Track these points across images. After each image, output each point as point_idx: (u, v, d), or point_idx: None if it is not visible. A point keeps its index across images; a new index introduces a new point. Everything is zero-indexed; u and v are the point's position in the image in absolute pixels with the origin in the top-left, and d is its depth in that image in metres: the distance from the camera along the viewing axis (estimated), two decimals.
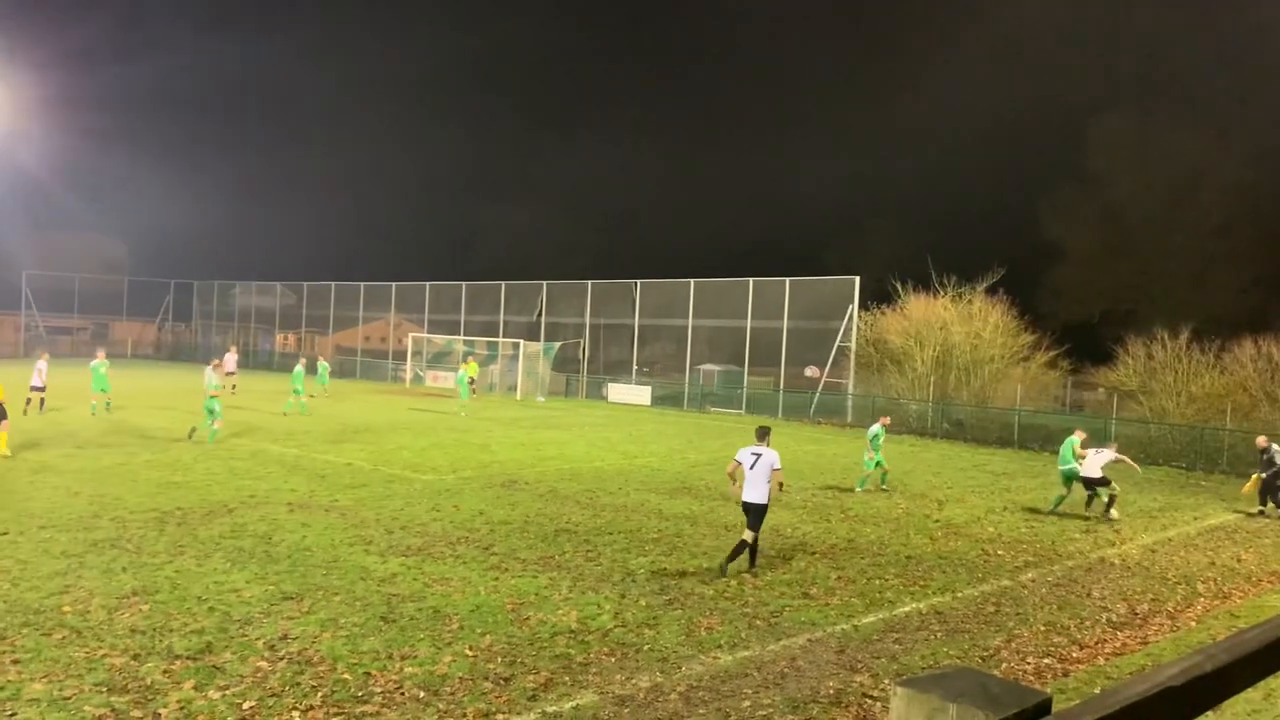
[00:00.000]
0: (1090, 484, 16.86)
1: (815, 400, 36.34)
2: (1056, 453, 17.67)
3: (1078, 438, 17.39)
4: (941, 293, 34.85)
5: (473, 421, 29.19)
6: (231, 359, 36.52)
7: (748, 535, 11.25)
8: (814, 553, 12.55)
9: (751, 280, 39.79)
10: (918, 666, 8.42)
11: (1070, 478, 17.12)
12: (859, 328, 36.02)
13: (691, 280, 41.76)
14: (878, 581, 11.20)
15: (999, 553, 13.26)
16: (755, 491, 11.28)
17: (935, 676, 1.48)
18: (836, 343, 36.56)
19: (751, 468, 11.33)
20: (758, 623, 9.29)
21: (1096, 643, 9.33)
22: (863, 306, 36.45)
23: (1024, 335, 34.33)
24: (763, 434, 11.82)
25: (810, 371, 37.34)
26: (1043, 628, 9.72)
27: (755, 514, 11.28)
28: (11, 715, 6.32)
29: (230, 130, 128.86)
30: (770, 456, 11.37)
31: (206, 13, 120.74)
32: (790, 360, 38.38)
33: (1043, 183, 62.59)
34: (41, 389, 26.30)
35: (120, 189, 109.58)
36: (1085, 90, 74.65)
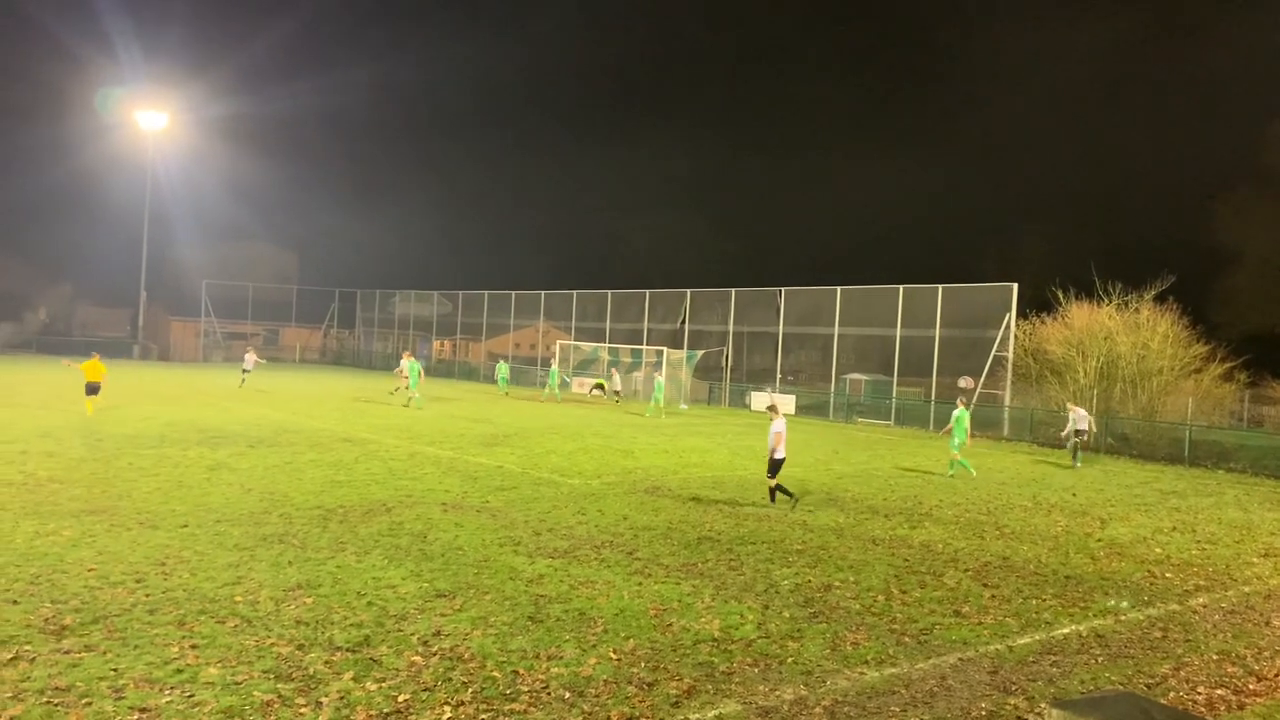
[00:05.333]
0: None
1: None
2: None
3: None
4: (1105, 301, 33.22)
5: (616, 428, 29.54)
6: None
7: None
8: (966, 570, 12.14)
9: (901, 288, 38.79)
10: (1077, 691, 8.03)
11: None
12: (1016, 337, 34.69)
13: (838, 288, 41.04)
14: (1034, 601, 10.75)
15: (1167, 575, 12.52)
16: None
17: (1093, 699, 1.43)
18: (992, 352, 35.30)
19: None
20: (906, 639, 9.06)
21: (1277, 675, 8.69)
22: (1020, 315, 35.07)
23: (1196, 346, 32.31)
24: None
25: (964, 382, 36.14)
26: (1215, 656, 9.12)
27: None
28: (190, 697, 6.76)
29: (391, 147, 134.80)
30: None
31: (374, 34, 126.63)
32: (942, 370, 37.21)
33: (1216, 185, 58.88)
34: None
35: (292, 203, 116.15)
36: (1260, 88, 69.98)
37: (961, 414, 22.07)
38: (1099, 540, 14.70)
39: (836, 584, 10.99)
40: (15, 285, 79.04)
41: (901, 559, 12.51)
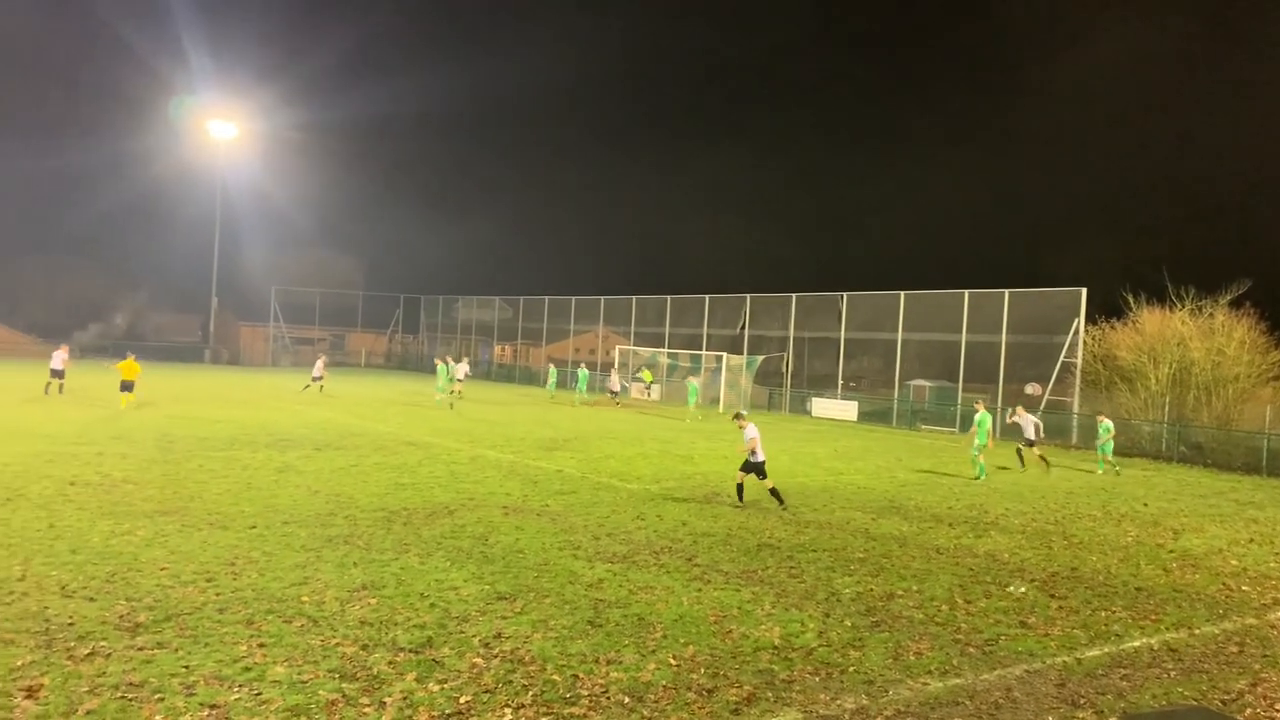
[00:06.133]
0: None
1: None
2: None
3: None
4: (1178, 306, 32.37)
5: (676, 433, 29.51)
6: (462, 368, 42.42)
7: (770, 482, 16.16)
8: (1033, 580, 11.90)
9: (967, 292, 38.19)
10: (1148, 705, 7.82)
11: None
12: (1085, 343, 33.94)
13: (901, 293, 40.55)
14: (1103, 613, 10.50)
15: (1244, 588, 12.14)
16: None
17: (1165, 714, 1.39)
18: (1060, 358, 34.60)
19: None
20: (970, 650, 8.91)
21: None
22: (1090, 320, 34.33)
23: (1275, 352, 31.35)
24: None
25: (1031, 389, 35.48)
26: None
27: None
28: (257, 694, 6.89)
29: (457, 155, 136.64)
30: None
31: (439, 46, 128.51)
32: (1009, 377, 36.56)
33: None
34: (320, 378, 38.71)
35: (358, 211, 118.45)
36: None
37: (983, 417, 22.17)
38: (1171, 551, 14.31)
39: (899, 593, 10.84)
40: (96, 292, 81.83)
41: (966, 568, 12.31)
